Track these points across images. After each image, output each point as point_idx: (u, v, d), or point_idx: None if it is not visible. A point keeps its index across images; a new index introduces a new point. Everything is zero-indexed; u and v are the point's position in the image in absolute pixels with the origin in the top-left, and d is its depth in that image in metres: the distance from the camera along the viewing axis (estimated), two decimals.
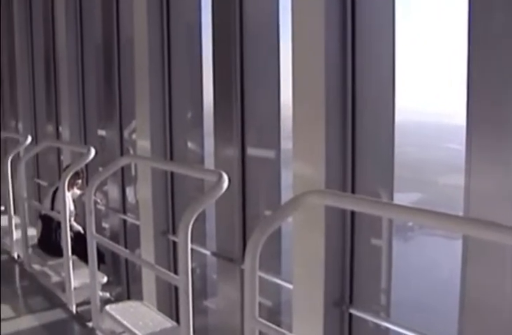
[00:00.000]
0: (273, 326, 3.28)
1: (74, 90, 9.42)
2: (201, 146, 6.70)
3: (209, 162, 6.50)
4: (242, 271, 5.49)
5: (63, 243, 6.57)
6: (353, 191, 4.40)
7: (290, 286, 4.95)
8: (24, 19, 11.83)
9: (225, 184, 4.05)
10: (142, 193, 6.95)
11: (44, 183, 11.14)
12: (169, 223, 6.66)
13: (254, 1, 5.57)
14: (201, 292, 6.79)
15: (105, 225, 9.05)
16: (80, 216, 8.54)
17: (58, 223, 7.31)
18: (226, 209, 5.64)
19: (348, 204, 3.37)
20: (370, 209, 3.21)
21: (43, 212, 8.34)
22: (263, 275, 4.62)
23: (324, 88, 4.28)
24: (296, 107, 4.55)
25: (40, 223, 8.34)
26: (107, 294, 7.95)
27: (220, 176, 4.07)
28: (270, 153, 5.63)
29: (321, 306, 4.38)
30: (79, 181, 8.40)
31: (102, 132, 9.09)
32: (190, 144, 6.72)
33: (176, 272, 5.53)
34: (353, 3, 4.35)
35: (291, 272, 4.97)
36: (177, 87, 6.63)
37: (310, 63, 4.44)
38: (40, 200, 10.80)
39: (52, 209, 8.04)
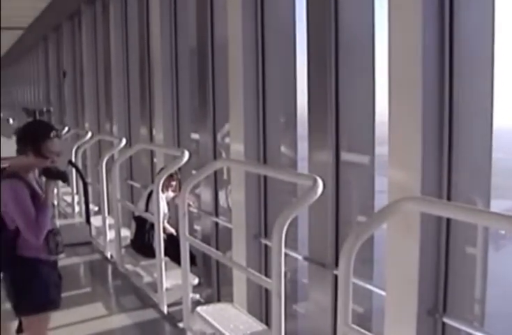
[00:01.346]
0: (367, 332, 3.27)
1: (168, 93, 9.54)
2: (295, 150, 6.69)
3: (302, 167, 6.49)
4: (334, 277, 5.47)
5: (155, 245, 6.67)
6: (448, 198, 4.34)
7: (383, 293, 4.91)
8: (119, 23, 12.06)
9: (320, 189, 4.04)
10: (235, 196, 6.99)
11: (137, 185, 11.31)
12: (261, 227, 6.67)
13: (349, 4, 5.55)
14: (291, 296, 6.79)
15: (197, 227, 9.14)
16: (173, 218, 8.65)
17: (152, 225, 7.43)
18: (319, 213, 5.62)
19: (444, 211, 3.33)
20: (465, 217, 3.17)
21: (137, 213, 8.47)
22: (355, 280, 4.58)
23: (421, 94, 4.23)
24: (392, 112, 4.51)
25: (133, 224, 8.48)
26: (197, 296, 8.02)
27: (315, 181, 4.06)
28: (364, 159, 5.59)
29: (415, 314, 4.33)
30: (174, 184, 8.50)
31: (195, 136, 9.17)
32: (283, 148, 6.72)
33: (267, 275, 5.55)
34: (451, 5, 4.29)
35: (383, 278, 4.93)
36: (271, 91, 6.64)
37: (406, 67, 4.40)
38: (133, 202, 10.97)
39: (147, 210, 8.17)
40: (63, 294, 4.67)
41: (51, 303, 4.41)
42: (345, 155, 5.55)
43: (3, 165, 4.47)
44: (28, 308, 4.36)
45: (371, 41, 5.41)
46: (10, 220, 4.24)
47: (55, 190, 4.47)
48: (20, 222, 4.18)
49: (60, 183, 5.48)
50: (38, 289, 4.34)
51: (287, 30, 6.66)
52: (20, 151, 4.36)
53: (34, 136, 4.35)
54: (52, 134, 4.37)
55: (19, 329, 4.50)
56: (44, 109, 18.54)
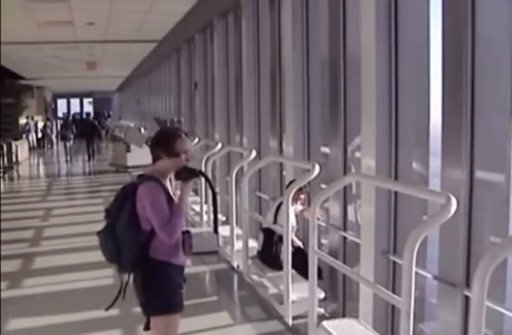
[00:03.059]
0: None
1: (298, 106, 9.56)
2: (426, 166, 6.57)
3: (433, 184, 6.38)
4: (464, 297, 5.34)
5: (283, 257, 6.71)
6: None
7: None
8: (251, 35, 12.20)
9: (454, 207, 3.97)
10: (365, 211, 6.91)
11: (265, 197, 11.39)
12: (390, 243, 6.58)
13: (487, 20, 5.42)
14: (417, 315, 6.68)
15: (324, 241, 9.11)
16: (301, 231, 8.66)
17: (280, 237, 7.47)
18: (450, 231, 5.49)
19: None
20: None
21: (265, 225, 8.52)
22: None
23: None
24: None
25: (261, 236, 8.53)
26: (322, 310, 7.99)
27: (449, 199, 4.00)
28: (500, 177, 5.44)
29: None
30: (303, 197, 8.51)
31: (325, 149, 9.14)
32: (414, 164, 6.62)
33: (394, 292, 5.48)
34: None
35: None
36: (403, 104, 6.55)
37: None
38: (261, 213, 11.04)
39: (275, 222, 8.21)
40: (190, 302, 4.83)
41: (178, 306, 4.65)
42: (480, 173, 5.41)
43: (141, 172, 4.79)
44: (156, 308, 4.61)
45: (510, 55, 5.29)
46: (145, 221, 4.50)
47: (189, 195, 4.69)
48: (156, 222, 4.44)
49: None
50: (166, 291, 4.58)
51: (421, 41, 6.58)
52: (155, 157, 4.66)
53: (165, 138, 4.66)
54: (180, 133, 4.69)
55: (147, 327, 4.68)
56: (175, 120, 18.99)
